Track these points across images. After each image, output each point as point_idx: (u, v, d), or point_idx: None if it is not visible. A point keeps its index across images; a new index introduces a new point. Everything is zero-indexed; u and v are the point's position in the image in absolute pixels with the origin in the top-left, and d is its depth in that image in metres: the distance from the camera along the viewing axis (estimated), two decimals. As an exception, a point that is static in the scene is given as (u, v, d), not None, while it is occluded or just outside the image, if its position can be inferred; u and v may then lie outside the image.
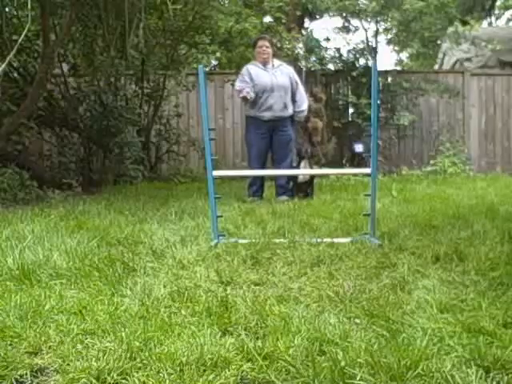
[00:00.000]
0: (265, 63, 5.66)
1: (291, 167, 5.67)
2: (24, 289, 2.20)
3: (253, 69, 5.66)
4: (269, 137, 5.64)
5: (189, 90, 8.57)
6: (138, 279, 2.35)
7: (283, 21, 9.38)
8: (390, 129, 9.54)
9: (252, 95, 5.49)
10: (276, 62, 5.79)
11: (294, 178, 5.66)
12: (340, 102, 9.66)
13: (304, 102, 5.79)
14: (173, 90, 8.44)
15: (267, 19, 9.62)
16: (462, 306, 1.95)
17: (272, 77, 5.61)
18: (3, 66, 5.24)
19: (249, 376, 1.47)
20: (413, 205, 4.69)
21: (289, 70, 5.77)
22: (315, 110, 9.31)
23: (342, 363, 1.46)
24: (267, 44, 5.68)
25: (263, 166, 5.67)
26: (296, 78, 5.78)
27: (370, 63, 9.47)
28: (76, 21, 6.68)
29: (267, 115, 5.58)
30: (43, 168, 7.43)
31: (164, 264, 2.63)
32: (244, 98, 5.52)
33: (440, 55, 13.77)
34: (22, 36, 5.43)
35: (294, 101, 5.72)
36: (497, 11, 16.94)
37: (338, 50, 9.83)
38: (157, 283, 2.27)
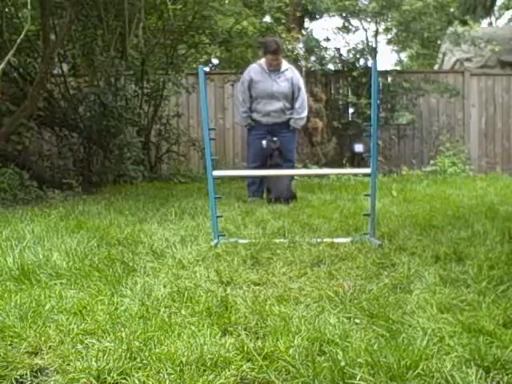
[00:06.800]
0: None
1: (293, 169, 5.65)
2: (24, 289, 2.20)
3: (255, 72, 5.61)
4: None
5: (188, 93, 8.57)
6: (138, 279, 2.35)
7: (283, 21, 9.38)
8: (389, 129, 9.54)
9: (251, 123, 5.67)
10: (284, 64, 5.66)
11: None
12: (340, 102, 9.67)
13: (304, 110, 5.68)
14: (173, 90, 8.44)
15: (267, 19, 9.62)
16: (462, 305, 1.94)
17: (273, 83, 5.55)
18: (2, 65, 5.23)
19: (249, 376, 1.46)
20: (413, 205, 4.69)
21: (293, 75, 5.62)
22: (315, 110, 9.34)
23: (342, 363, 1.46)
24: (279, 57, 5.55)
25: (262, 167, 5.66)
26: (300, 84, 5.65)
27: (370, 63, 9.47)
28: (76, 21, 6.68)
29: (265, 120, 5.61)
30: (43, 168, 7.42)
31: (164, 264, 2.63)
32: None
33: (440, 55, 13.76)
34: (22, 35, 5.41)
35: (293, 107, 5.63)
36: (497, 11, 16.94)
37: (338, 50, 9.82)
38: (157, 283, 2.27)
